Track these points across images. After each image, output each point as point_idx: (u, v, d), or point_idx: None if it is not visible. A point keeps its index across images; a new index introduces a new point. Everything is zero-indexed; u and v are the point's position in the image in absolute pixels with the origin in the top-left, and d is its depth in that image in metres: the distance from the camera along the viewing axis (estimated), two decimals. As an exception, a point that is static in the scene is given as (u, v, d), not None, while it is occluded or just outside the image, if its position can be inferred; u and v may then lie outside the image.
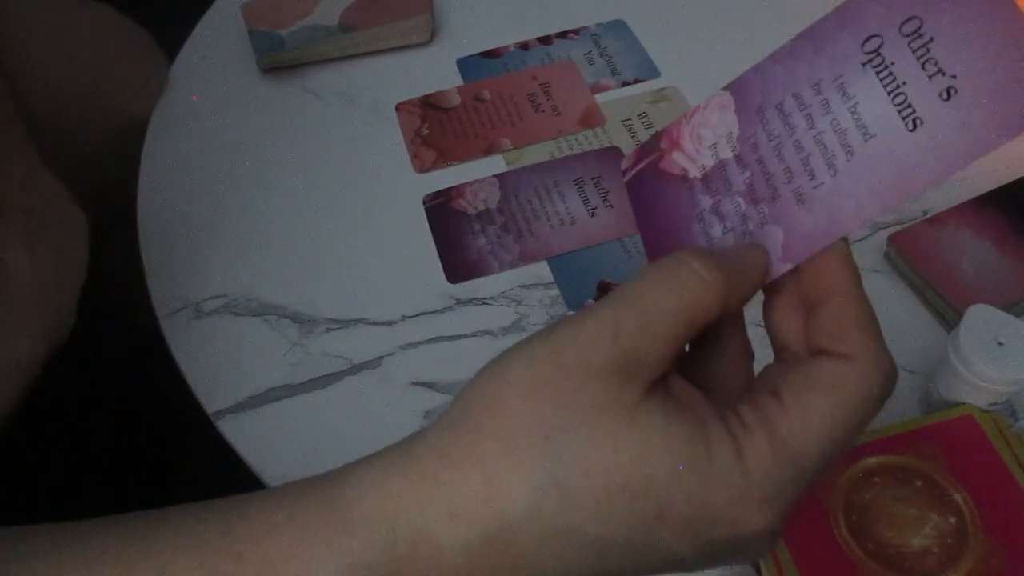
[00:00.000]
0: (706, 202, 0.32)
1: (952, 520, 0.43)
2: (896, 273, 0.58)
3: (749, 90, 0.31)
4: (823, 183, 0.29)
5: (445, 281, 0.60)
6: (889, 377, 0.28)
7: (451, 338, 0.57)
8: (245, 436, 0.53)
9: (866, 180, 0.28)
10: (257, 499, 0.27)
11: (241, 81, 0.74)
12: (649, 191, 0.33)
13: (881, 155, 0.28)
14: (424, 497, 0.26)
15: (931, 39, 0.27)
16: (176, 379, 0.56)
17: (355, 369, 0.56)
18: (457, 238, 0.62)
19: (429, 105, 0.71)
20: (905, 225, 0.59)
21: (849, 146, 0.28)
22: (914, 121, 0.27)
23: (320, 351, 0.57)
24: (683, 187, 0.32)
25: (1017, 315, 0.50)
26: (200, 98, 0.73)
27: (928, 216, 0.59)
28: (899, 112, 0.27)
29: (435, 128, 0.69)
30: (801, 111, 0.29)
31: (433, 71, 0.74)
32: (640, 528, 0.25)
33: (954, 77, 0.26)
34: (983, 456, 0.46)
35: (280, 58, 0.73)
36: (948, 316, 0.55)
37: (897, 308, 0.57)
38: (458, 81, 0.73)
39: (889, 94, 0.27)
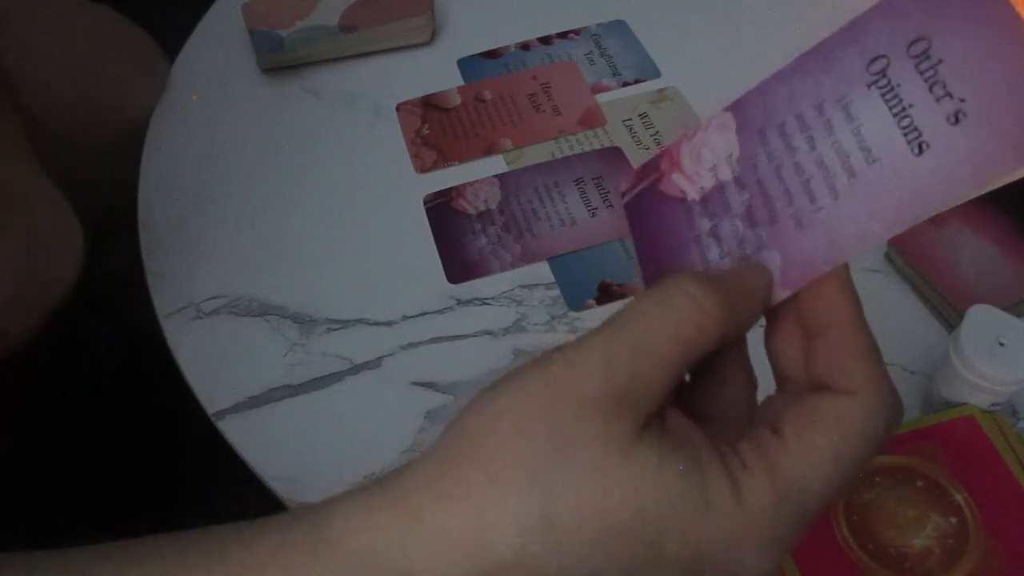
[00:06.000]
0: (704, 225, 0.31)
1: (953, 520, 0.43)
2: (897, 273, 0.58)
3: (751, 110, 0.30)
4: (823, 207, 0.28)
5: (445, 281, 0.60)
6: (893, 411, 0.27)
7: (451, 338, 0.57)
8: (245, 436, 0.53)
9: (868, 204, 0.27)
10: (240, 533, 0.27)
11: (241, 81, 0.74)
12: (648, 212, 0.33)
13: (885, 179, 0.27)
14: (410, 534, 0.25)
15: (939, 61, 0.26)
16: (176, 379, 0.56)
17: (355, 369, 0.56)
18: (458, 238, 0.62)
19: (430, 105, 0.71)
20: (906, 225, 0.59)
21: (852, 169, 0.27)
22: (920, 145, 0.26)
23: (320, 351, 0.57)
24: (681, 209, 0.32)
25: (1018, 315, 0.50)
26: (200, 98, 0.73)
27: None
28: (905, 135, 0.26)
29: (436, 128, 0.69)
30: (803, 132, 0.29)
31: (434, 71, 0.74)
32: (633, 570, 0.24)
33: (963, 101, 0.25)
34: (984, 456, 0.46)
35: (280, 58, 0.73)
36: (949, 316, 0.55)
37: (898, 308, 0.57)
38: (459, 81, 0.73)
39: (895, 116, 0.27)
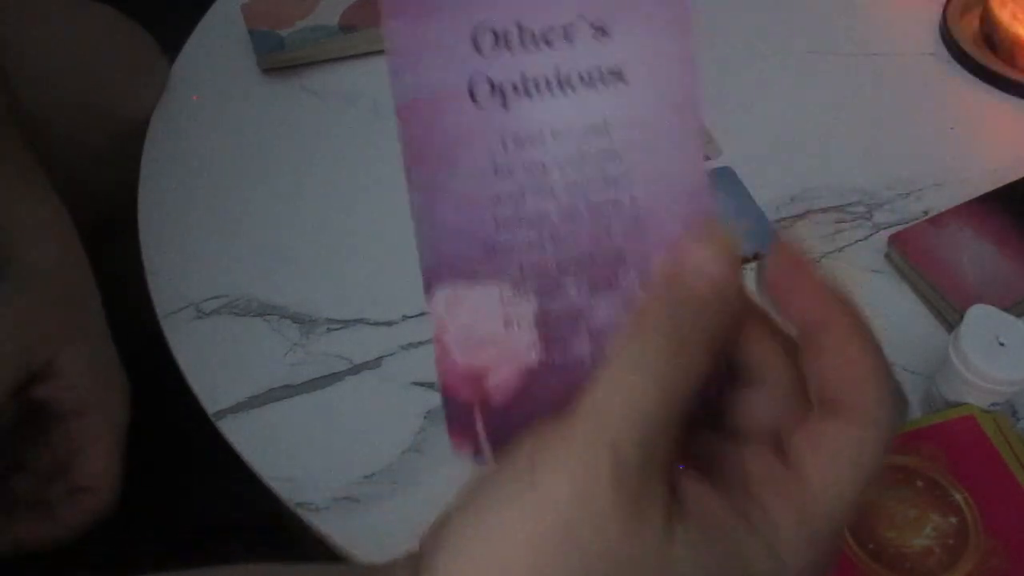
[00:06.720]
0: (583, 347, 0.25)
1: (953, 520, 0.43)
2: (897, 273, 0.58)
3: (449, 243, 0.24)
4: (626, 199, 0.24)
5: (445, 281, 0.60)
6: (901, 417, 0.26)
7: (451, 338, 0.57)
8: (245, 436, 0.53)
9: (648, 151, 0.24)
10: None
11: (241, 81, 0.74)
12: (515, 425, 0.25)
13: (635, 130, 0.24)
14: None
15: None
16: (176, 379, 0.56)
17: (355, 369, 0.56)
18: (457, 238, 0.62)
19: (429, 105, 0.71)
20: (906, 225, 0.59)
21: (605, 152, 0.24)
22: (607, 78, 0.23)
23: (320, 351, 0.57)
24: (541, 381, 0.25)
25: (1018, 315, 0.50)
26: (200, 98, 0.73)
27: (929, 216, 0.59)
28: (588, 98, 0.24)
29: (435, 128, 0.69)
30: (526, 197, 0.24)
31: (433, 71, 0.74)
32: None
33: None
34: (984, 456, 0.46)
35: (280, 58, 0.73)
36: (949, 316, 0.55)
37: (898, 308, 0.57)
38: (458, 81, 0.73)
39: (558, 93, 0.24)
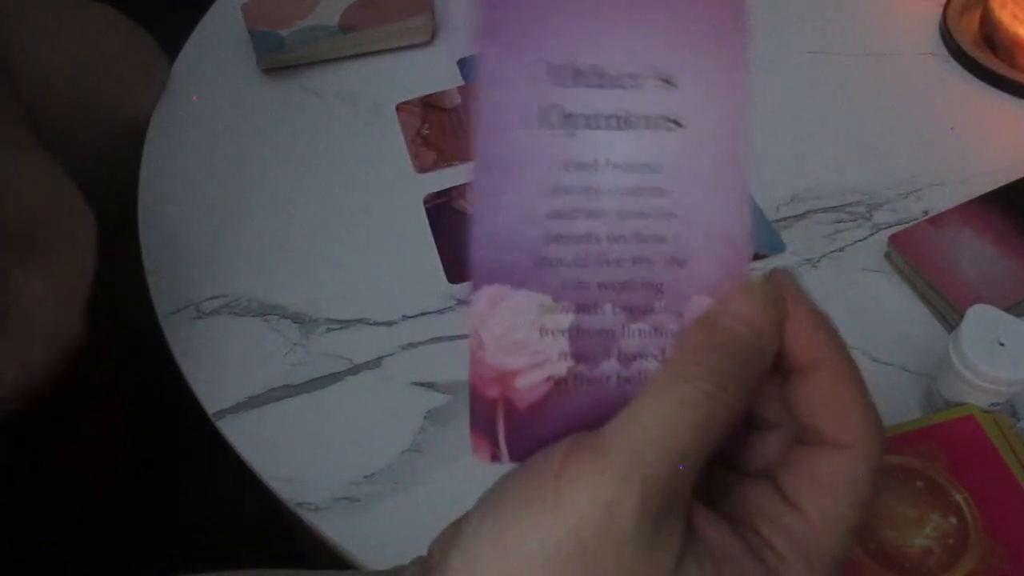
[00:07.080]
0: (611, 367, 0.26)
1: (953, 520, 0.43)
2: (897, 273, 0.58)
3: (502, 268, 0.26)
4: (671, 235, 0.26)
5: (445, 281, 0.60)
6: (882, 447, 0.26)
7: (451, 338, 0.57)
8: (245, 436, 0.53)
9: (695, 194, 0.26)
10: None
11: (241, 81, 0.74)
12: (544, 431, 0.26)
13: (676, 171, 0.26)
14: None
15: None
16: (176, 379, 0.56)
17: (355, 369, 0.56)
18: (457, 238, 0.62)
19: (430, 105, 0.71)
20: (906, 225, 0.59)
21: (655, 189, 0.26)
22: (668, 124, 0.26)
23: (320, 351, 0.57)
24: (565, 393, 0.26)
25: (1018, 315, 0.50)
26: (200, 98, 0.73)
27: (929, 216, 0.59)
28: (645, 132, 0.26)
29: (436, 128, 0.69)
30: (576, 215, 0.26)
31: (434, 71, 0.74)
32: None
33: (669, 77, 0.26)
34: (984, 456, 0.46)
35: (280, 58, 0.73)
36: (949, 316, 0.55)
37: (898, 308, 0.57)
38: (459, 81, 0.73)
39: (620, 129, 0.26)
